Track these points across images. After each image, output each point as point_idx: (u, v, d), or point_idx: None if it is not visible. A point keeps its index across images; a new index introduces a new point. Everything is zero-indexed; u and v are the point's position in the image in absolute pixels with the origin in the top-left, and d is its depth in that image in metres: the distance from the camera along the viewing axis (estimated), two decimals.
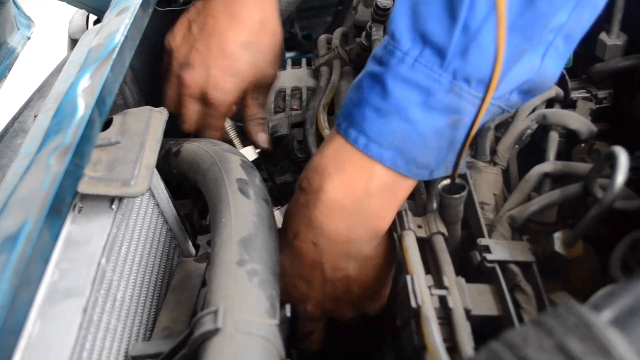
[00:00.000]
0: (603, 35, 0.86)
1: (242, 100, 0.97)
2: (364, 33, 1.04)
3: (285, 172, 1.07)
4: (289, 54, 1.70)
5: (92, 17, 1.24)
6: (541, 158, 0.83)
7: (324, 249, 0.71)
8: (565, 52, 0.65)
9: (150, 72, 1.01)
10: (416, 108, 0.62)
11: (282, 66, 1.21)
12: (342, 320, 0.82)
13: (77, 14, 1.33)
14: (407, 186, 0.69)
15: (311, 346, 0.83)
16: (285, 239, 0.74)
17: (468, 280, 0.65)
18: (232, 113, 0.96)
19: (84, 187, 0.62)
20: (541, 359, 0.37)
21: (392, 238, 0.75)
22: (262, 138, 1.00)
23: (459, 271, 0.66)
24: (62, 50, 1.30)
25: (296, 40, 1.70)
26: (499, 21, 0.51)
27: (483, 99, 0.57)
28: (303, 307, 0.77)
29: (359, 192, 0.67)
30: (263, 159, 1.04)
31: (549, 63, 0.64)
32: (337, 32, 1.16)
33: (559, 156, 0.86)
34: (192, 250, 0.88)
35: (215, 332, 0.53)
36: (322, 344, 0.84)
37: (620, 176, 0.58)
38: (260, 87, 0.97)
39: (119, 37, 0.74)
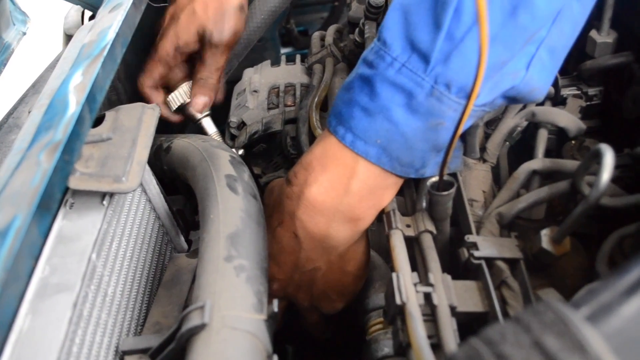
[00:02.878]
0: (593, 33, 0.86)
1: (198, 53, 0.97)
2: (357, 30, 1.05)
3: (279, 168, 1.08)
4: (284, 50, 1.70)
5: (88, 13, 1.24)
6: (532, 155, 0.84)
7: (302, 241, 0.75)
8: (552, 66, 0.68)
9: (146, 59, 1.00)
10: (399, 109, 0.65)
11: (276, 62, 1.21)
12: (302, 312, 0.86)
13: (72, 10, 1.32)
14: (389, 185, 0.72)
15: None
16: (269, 225, 0.77)
17: (458, 277, 0.66)
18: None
19: (75, 183, 0.63)
20: (518, 356, 0.37)
21: (368, 255, 0.80)
22: (200, 101, 0.99)
23: (448, 268, 0.67)
24: (58, 46, 1.30)
25: (292, 36, 1.70)
26: (481, 34, 0.52)
27: (465, 106, 0.58)
28: (269, 285, 0.80)
29: (340, 190, 0.70)
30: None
31: (534, 74, 0.66)
32: (331, 30, 1.16)
33: (550, 153, 0.86)
34: (185, 245, 0.88)
35: (202, 327, 0.54)
36: (280, 325, 0.86)
37: (606, 174, 0.58)
38: (217, 42, 0.95)
39: (111, 34, 0.74)
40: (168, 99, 1.00)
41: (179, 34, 0.93)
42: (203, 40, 0.94)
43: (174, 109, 1.00)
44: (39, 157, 0.58)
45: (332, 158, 0.71)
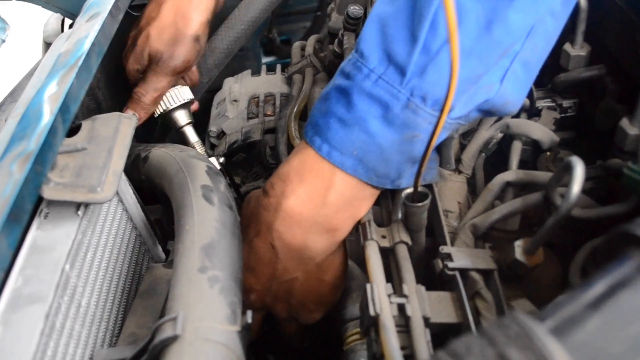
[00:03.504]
0: (567, 46, 0.88)
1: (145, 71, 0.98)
2: (336, 40, 1.05)
3: (258, 177, 1.08)
4: (267, 59, 1.70)
5: (68, 21, 1.23)
6: (507, 166, 0.84)
7: (279, 252, 0.75)
8: (526, 80, 0.69)
9: (123, 76, 1.01)
10: (376, 121, 0.65)
11: (257, 71, 1.22)
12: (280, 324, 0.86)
13: (52, 18, 1.32)
14: (366, 196, 0.72)
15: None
16: (246, 236, 0.77)
17: (433, 288, 0.66)
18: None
19: (49, 193, 0.62)
20: None
21: (346, 265, 0.80)
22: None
23: (424, 279, 0.67)
24: (37, 53, 1.30)
25: (274, 45, 1.71)
26: (452, 49, 0.53)
27: (439, 118, 0.58)
28: (246, 296, 0.80)
29: (318, 202, 0.71)
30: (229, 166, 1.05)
31: (508, 87, 0.67)
32: (311, 40, 1.17)
33: (526, 164, 0.87)
34: (162, 255, 0.88)
35: (174, 338, 0.54)
36: (258, 335, 0.86)
37: (576, 186, 0.59)
38: (163, 65, 0.96)
39: (87, 44, 0.74)
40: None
41: (137, 59, 0.96)
42: (152, 61, 0.95)
43: (157, 115, 1.00)
44: (11, 168, 0.58)
45: (309, 170, 0.71)
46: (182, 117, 1.01)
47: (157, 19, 0.94)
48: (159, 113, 0.99)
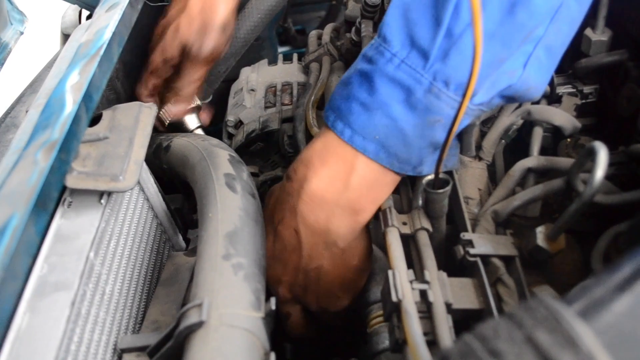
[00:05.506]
0: (588, 31, 0.87)
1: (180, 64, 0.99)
2: (353, 28, 1.05)
3: (276, 166, 1.08)
4: (282, 49, 1.70)
5: (85, 12, 1.24)
6: (527, 153, 0.84)
7: (303, 237, 0.75)
8: (549, 65, 0.68)
9: (142, 67, 1.01)
10: (398, 105, 0.65)
11: (273, 60, 1.22)
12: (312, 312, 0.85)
13: (69, 9, 1.33)
14: (388, 182, 0.72)
15: (293, 330, 0.85)
16: (271, 223, 0.77)
17: (454, 275, 0.66)
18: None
19: (72, 182, 0.63)
20: (510, 351, 0.37)
21: (370, 249, 0.79)
22: (170, 109, 1.01)
23: (444, 265, 0.67)
24: (55, 45, 1.31)
25: (289, 35, 1.71)
26: (475, 32, 0.52)
27: (461, 103, 0.58)
28: (275, 288, 0.81)
29: (340, 185, 0.71)
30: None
31: (531, 72, 0.66)
32: (328, 28, 1.17)
33: (546, 151, 0.87)
34: (183, 244, 0.89)
35: (200, 324, 0.54)
36: (305, 329, 0.85)
37: (600, 171, 0.59)
38: (195, 56, 0.97)
39: (107, 34, 0.75)
40: (161, 113, 1.01)
41: (165, 48, 0.97)
42: (184, 53, 0.97)
43: (167, 122, 1.02)
44: (36, 156, 0.59)
45: (332, 153, 0.71)
46: (192, 121, 1.04)
47: (186, 10, 0.95)
48: (169, 120, 1.02)
